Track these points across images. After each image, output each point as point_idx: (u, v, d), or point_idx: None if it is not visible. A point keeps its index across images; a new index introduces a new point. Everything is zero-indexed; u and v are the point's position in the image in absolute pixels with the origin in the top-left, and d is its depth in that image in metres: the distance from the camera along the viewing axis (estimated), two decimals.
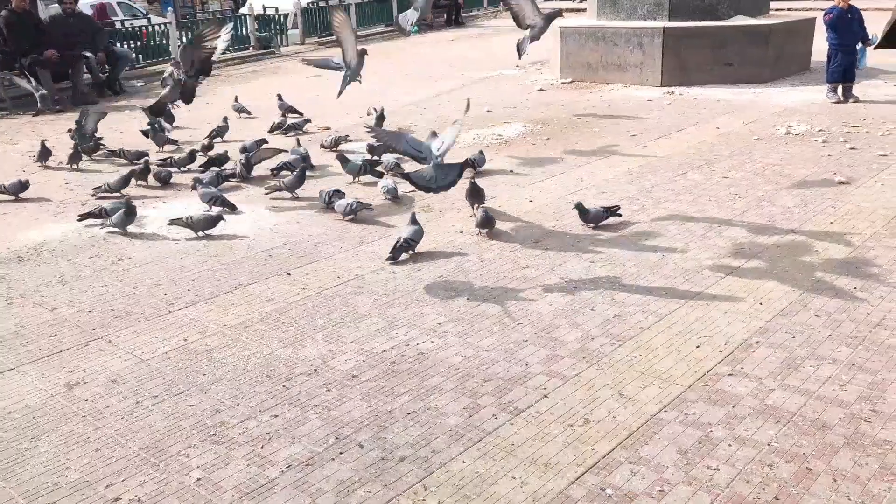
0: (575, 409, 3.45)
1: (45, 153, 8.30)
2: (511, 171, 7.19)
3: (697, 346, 3.94)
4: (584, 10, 23.91)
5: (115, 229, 6.03)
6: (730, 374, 3.67)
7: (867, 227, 5.41)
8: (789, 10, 17.61)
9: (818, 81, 10.64)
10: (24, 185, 7.11)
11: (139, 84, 14.68)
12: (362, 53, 7.46)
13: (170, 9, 19.42)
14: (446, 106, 10.69)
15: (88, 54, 12.82)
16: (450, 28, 23.91)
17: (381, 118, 8.85)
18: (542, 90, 11.62)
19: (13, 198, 7.08)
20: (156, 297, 4.85)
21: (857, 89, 9.77)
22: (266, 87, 12.74)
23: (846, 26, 9.47)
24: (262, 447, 3.28)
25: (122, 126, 10.52)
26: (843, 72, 9.58)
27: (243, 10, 20.77)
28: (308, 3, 21.11)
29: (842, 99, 9.63)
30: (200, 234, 5.84)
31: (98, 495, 3.02)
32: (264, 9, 19.89)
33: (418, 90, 11.99)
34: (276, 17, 19.76)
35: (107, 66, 13.46)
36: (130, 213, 6.00)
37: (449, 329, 4.25)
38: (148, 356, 4.11)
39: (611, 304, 4.46)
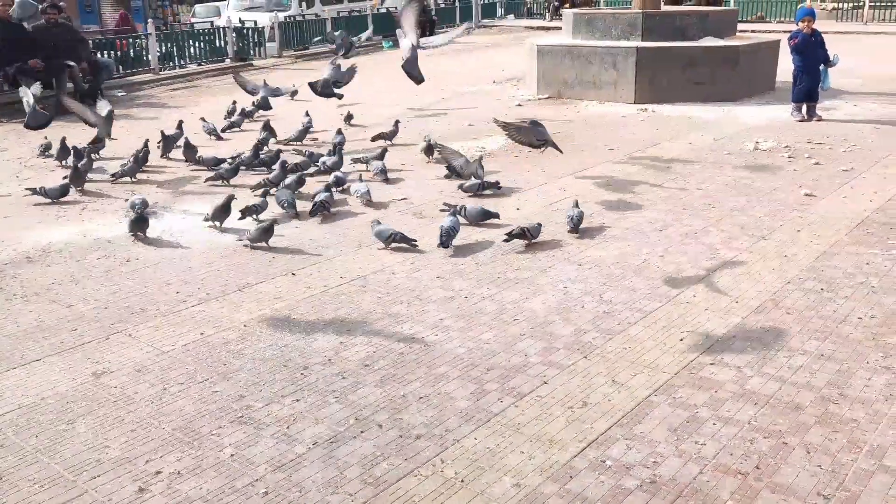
0: (573, 393, 3.78)
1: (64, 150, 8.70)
2: (497, 182, 7.51)
3: (681, 339, 4.30)
4: (556, 28, 24.46)
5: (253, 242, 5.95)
6: (711, 364, 4.03)
7: (832, 235, 5.83)
8: (752, 31, 18.34)
9: (783, 101, 11.18)
10: (64, 191, 7.31)
11: (121, 94, 14.81)
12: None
13: (150, 20, 19.54)
14: (429, 120, 11.01)
15: (72, 63, 12.95)
16: None
17: (430, 148, 8.58)
18: (520, 105, 12.02)
19: (51, 201, 7.28)
20: (168, 295, 5.09)
21: (820, 109, 10.31)
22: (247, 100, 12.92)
23: (810, 50, 10.00)
24: (287, 427, 3.55)
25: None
26: (807, 92, 10.11)
27: (220, 23, 20.96)
28: (285, 17, 21.38)
29: (806, 117, 10.15)
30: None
31: (139, 469, 3.28)
32: (242, 22, 20.09)
33: (400, 104, 12.30)
34: (255, 29, 19.96)
35: (88, 76, 13.59)
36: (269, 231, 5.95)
37: (450, 324, 4.57)
38: (168, 348, 4.36)
39: (599, 303, 4.81)
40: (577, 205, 6.19)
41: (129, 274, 5.49)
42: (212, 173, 7.82)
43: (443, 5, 31.23)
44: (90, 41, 14.82)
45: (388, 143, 9.26)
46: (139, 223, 6.16)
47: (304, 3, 24.35)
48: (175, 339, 4.46)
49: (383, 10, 26.02)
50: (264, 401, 3.79)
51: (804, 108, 10.25)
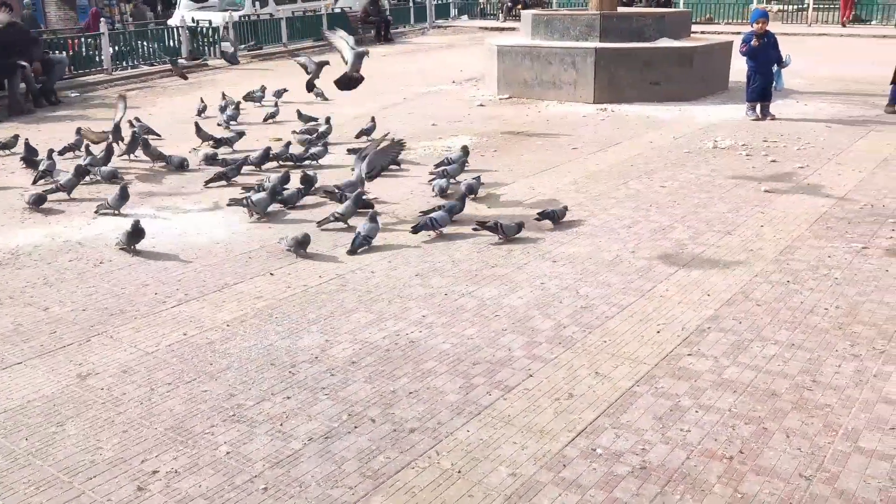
0: (558, 385, 3.89)
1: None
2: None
3: (658, 332, 4.44)
4: (510, 28, 24.68)
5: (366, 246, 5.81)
6: (689, 355, 4.17)
7: (794, 230, 6.05)
8: (703, 32, 18.73)
9: (737, 100, 11.49)
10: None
11: (74, 94, 14.53)
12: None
13: (102, 20, 19.16)
14: (393, 120, 11.04)
15: (24, 63, 12.69)
16: (380, 44, 24.27)
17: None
18: (481, 105, 12.12)
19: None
20: (146, 296, 5.07)
21: (773, 108, 10.62)
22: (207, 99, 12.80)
23: (763, 51, 10.30)
24: (281, 424, 3.59)
25: (62, 135, 10.48)
26: (761, 92, 10.42)
27: (173, 22, 20.68)
28: (240, 17, 21.19)
29: (760, 116, 10.46)
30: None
31: (135, 469, 3.28)
32: (196, 21, 19.86)
33: (364, 104, 12.30)
34: (209, 29, 19.73)
35: (40, 77, 13.34)
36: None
37: (433, 321, 4.64)
38: (152, 349, 4.35)
39: (576, 298, 4.93)
40: (566, 209, 6.37)
41: (103, 276, 5.44)
42: (214, 173, 7.78)
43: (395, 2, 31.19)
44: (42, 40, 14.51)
45: (368, 138, 9.33)
46: (135, 236, 5.82)
47: (257, 3, 24.20)
48: (158, 340, 4.45)
49: (337, 10, 25.94)
50: (255, 399, 3.82)
51: (758, 107, 10.55)
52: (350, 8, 26.32)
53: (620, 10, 13.90)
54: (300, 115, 10.36)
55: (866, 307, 4.71)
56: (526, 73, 12.39)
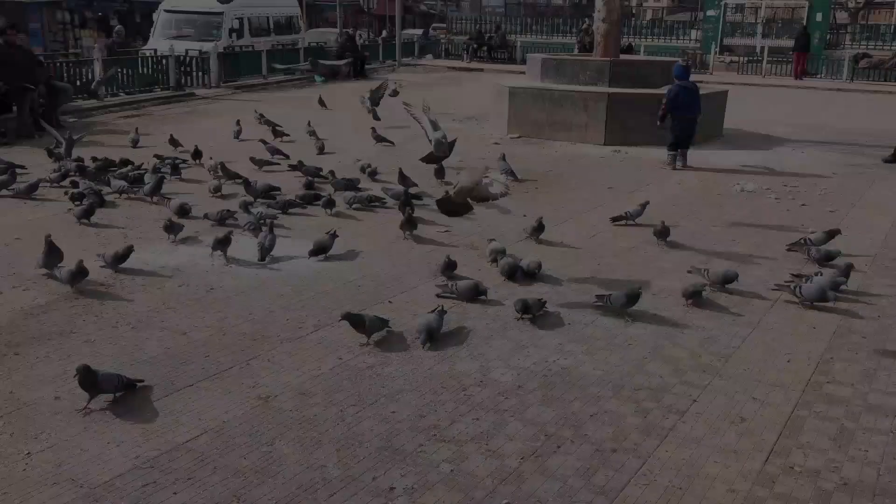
0: (725, 410, 4.15)
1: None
2: (524, 215, 7.84)
3: (788, 361, 4.76)
4: (478, 69, 25.25)
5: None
6: (828, 382, 4.50)
7: (861, 265, 6.43)
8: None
9: (735, 145, 12.31)
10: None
11: (72, 119, 14.34)
12: None
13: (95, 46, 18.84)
14: (421, 152, 11.24)
15: (32, 86, 12.53)
16: (356, 79, 24.55)
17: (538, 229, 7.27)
18: (496, 143, 12.46)
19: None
20: (279, 323, 5.14)
21: (780, 154, 11.24)
22: (208, 128, 12.82)
23: (685, 102, 10.76)
24: (486, 444, 3.76)
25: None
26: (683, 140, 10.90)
27: (155, 46, 20.54)
28: (224, 48, 21.21)
29: (682, 165, 10.81)
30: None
31: (370, 486, 3.43)
32: (186, 51, 19.77)
33: (372, 141, 12.47)
34: (197, 59, 19.68)
35: (41, 100, 13.17)
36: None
37: (572, 349, 4.87)
38: (315, 372, 4.46)
39: (697, 329, 5.21)
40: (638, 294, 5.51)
41: (223, 302, 5.46)
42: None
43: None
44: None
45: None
46: (224, 243, 6.32)
47: (234, 35, 24.22)
48: (317, 364, 4.56)
49: (314, 45, 26.19)
50: (447, 420, 3.97)
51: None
52: (326, 42, 26.57)
53: (624, 57, 14.50)
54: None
55: None
56: (537, 114, 12.81)
